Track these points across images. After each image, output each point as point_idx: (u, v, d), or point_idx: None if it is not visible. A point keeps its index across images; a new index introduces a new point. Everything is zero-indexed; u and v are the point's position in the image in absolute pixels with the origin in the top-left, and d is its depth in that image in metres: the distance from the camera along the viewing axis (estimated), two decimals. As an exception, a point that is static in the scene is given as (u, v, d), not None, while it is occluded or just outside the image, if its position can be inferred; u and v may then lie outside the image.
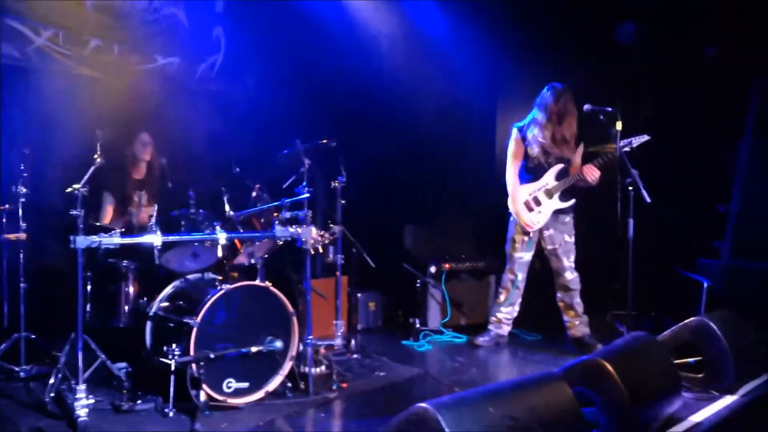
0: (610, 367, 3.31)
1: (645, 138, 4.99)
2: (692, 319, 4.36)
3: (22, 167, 4.46)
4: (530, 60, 6.76)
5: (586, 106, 5.01)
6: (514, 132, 5.50)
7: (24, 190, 4.41)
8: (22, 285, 4.46)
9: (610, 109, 4.98)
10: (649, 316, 5.91)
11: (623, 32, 6.77)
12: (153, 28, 5.94)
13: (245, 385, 4.09)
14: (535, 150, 5.36)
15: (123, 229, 4.14)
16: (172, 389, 3.86)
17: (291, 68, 6.49)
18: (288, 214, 4.55)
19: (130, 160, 5.16)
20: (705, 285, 5.20)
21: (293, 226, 4.37)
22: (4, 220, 4.48)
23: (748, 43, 5.93)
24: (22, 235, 4.43)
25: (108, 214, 5.06)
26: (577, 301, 5.47)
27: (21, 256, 4.49)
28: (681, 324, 4.38)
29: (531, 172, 5.43)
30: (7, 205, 4.47)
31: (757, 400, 4.16)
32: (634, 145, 4.97)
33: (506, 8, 6.71)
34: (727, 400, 4.12)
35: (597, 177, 5.20)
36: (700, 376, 4.28)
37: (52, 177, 5.09)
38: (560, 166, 5.36)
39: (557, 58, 6.66)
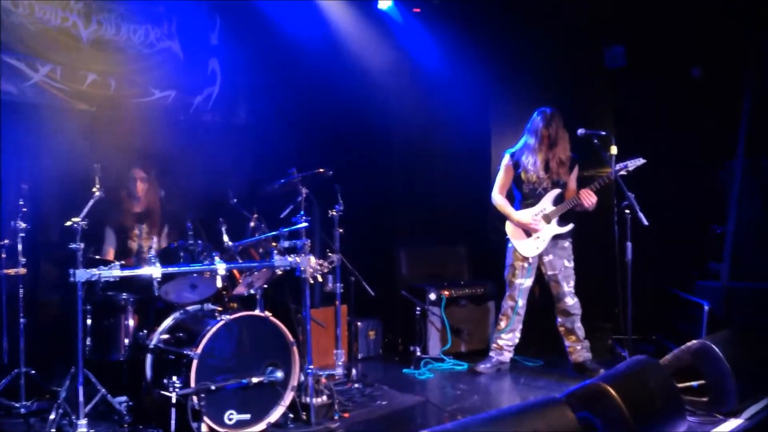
0: (612, 391, 3.30)
1: (641, 161, 5.01)
2: (693, 342, 4.34)
3: (21, 202, 4.46)
4: (522, 84, 6.84)
5: (580, 130, 5.05)
6: (506, 158, 5.52)
7: (23, 225, 4.41)
8: (21, 320, 4.43)
9: (603, 132, 5.02)
10: (650, 339, 5.90)
11: (612, 56, 6.85)
12: (149, 61, 5.97)
13: (247, 416, 4.07)
14: (529, 175, 5.38)
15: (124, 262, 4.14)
16: (173, 422, 3.83)
17: (286, 98, 6.54)
18: (286, 244, 4.56)
19: (125, 197, 5.11)
20: (706, 307, 5.19)
21: (292, 256, 4.38)
22: (3, 255, 4.47)
23: (734, 63, 6.01)
24: (22, 270, 4.43)
25: (110, 250, 5.05)
26: (578, 325, 5.46)
27: (20, 291, 4.47)
28: (682, 347, 4.35)
29: (527, 197, 5.45)
30: (6, 240, 4.47)
31: (762, 422, 4.13)
32: (630, 169, 4.99)
33: (497, 33, 6.80)
34: (732, 424, 4.09)
35: (594, 202, 5.21)
36: (703, 399, 4.25)
37: (51, 211, 5.10)
38: (557, 191, 5.39)
39: (549, 81, 6.74)
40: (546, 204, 5.39)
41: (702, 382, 4.26)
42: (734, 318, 5.23)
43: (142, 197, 5.13)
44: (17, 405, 4.34)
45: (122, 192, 5.08)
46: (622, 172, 4.97)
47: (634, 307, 4.76)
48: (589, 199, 5.20)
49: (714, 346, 4.22)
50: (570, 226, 5.42)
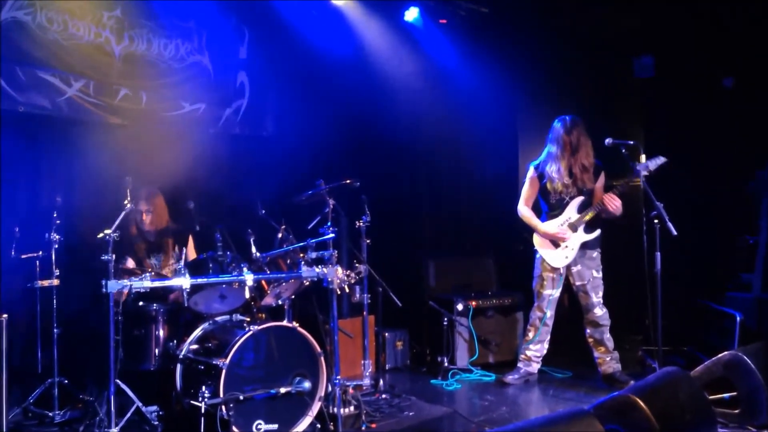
0: (642, 403, 3.26)
1: (662, 160, 4.96)
2: (725, 353, 4.28)
3: (54, 215, 4.56)
4: (550, 94, 6.82)
5: (608, 140, 5.01)
6: (530, 170, 5.50)
7: (57, 237, 4.51)
8: (55, 330, 4.52)
9: (631, 142, 4.98)
10: (680, 351, 5.83)
11: (641, 66, 6.81)
12: (179, 75, 6.07)
13: (274, 426, 4.09)
14: (555, 184, 5.35)
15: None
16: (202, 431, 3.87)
17: (313, 110, 6.59)
18: (314, 255, 4.58)
19: (137, 233, 5.03)
20: (738, 318, 5.12)
21: (319, 267, 4.40)
22: (37, 266, 4.56)
23: (765, 72, 5.94)
24: (55, 281, 4.52)
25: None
26: (607, 336, 5.41)
27: (54, 301, 4.55)
28: (714, 359, 4.30)
29: (553, 208, 5.42)
30: (40, 252, 4.56)
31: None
32: (651, 169, 4.94)
33: (524, 43, 6.80)
34: (765, 436, 4.04)
35: (618, 205, 5.15)
36: (735, 412, 4.19)
37: (84, 223, 5.18)
38: (581, 198, 5.35)
39: (577, 91, 6.72)
40: (571, 212, 5.36)
41: (734, 394, 4.20)
42: (767, 330, 5.15)
43: (151, 229, 5.06)
44: (50, 414, 4.43)
45: (132, 228, 5.01)
46: (644, 173, 4.91)
47: (664, 318, 4.71)
48: (612, 202, 5.15)
49: (746, 358, 4.16)
50: (597, 232, 5.36)
